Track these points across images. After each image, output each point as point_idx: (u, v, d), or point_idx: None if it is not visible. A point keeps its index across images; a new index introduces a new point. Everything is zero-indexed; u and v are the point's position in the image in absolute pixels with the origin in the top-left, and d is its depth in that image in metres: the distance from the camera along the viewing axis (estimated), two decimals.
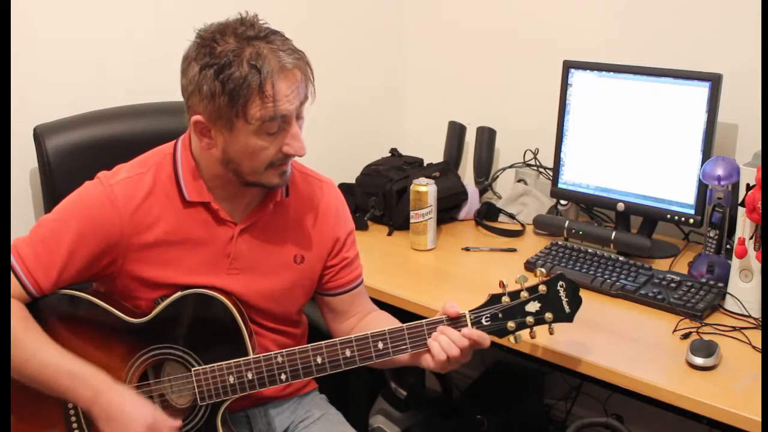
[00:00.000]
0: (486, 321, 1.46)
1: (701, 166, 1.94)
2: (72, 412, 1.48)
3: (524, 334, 1.48)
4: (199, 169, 1.49)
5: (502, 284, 1.47)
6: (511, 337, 1.47)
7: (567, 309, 1.47)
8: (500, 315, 1.46)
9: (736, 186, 1.78)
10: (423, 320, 1.47)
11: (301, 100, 1.40)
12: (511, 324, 1.46)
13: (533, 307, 1.46)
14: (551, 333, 1.48)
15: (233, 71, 1.33)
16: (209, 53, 1.35)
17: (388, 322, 1.57)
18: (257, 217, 1.54)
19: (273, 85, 1.34)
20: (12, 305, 1.41)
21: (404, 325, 1.48)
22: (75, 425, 1.49)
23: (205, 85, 1.35)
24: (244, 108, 1.35)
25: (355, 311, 1.68)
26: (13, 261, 1.44)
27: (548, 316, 1.46)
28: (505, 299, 1.46)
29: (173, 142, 1.54)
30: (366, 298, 1.72)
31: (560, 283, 1.46)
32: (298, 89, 1.38)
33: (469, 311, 1.47)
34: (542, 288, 1.46)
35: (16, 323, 1.41)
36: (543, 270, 1.48)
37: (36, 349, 1.41)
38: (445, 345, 1.43)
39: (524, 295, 1.46)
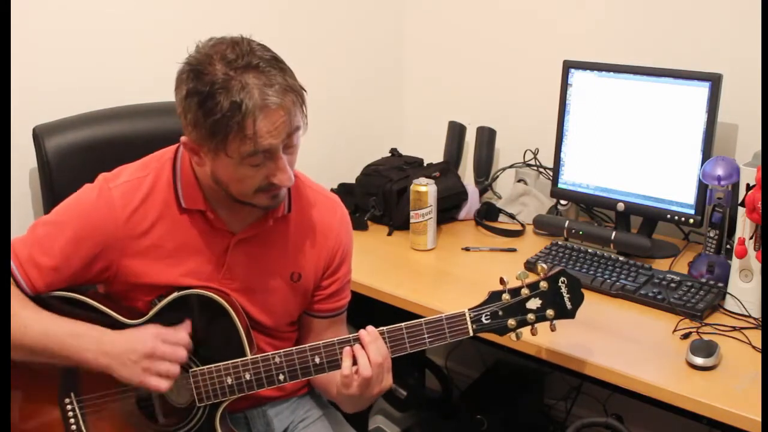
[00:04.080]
0: (486, 319, 1.45)
1: (701, 166, 1.94)
2: (69, 407, 1.48)
3: (525, 331, 1.47)
4: (197, 178, 1.49)
5: (502, 281, 1.46)
6: (512, 335, 1.46)
7: (569, 305, 1.46)
8: (500, 313, 1.45)
9: (736, 186, 1.78)
10: (422, 319, 1.46)
11: (288, 132, 1.35)
12: (511, 322, 1.45)
13: (534, 304, 1.45)
14: (553, 330, 1.48)
15: (216, 104, 1.29)
16: (196, 78, 1.32)
17: None
18: (256, 230, 1.53)
19: (254, 122, 1.30)
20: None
21: (402, 324, 1.47)
22: (73, 425, 1.49)
23: (190, 112, 1.33)
24: (223, 142, 1.32)
25: (329, 336, 1.62)
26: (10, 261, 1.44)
27: (550, 312, 1.45)
28: (506, 296, 1.45)
29: (175, 146, 1.53)
30: (343, 326, 1.70)
31: (562, 279, 1.46)
32: (284, 125, 1.33)
33: (469, 309, 1.45)
34: (543, 284, 1.45)
35: (13, 303, 1.41)
36: (544, 266, 1.47)
37: (33, 318, 1.42)
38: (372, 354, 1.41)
39: (525, 292, 1.45)
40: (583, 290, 1.49)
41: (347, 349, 1.44)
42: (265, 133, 1.31)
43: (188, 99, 1.33)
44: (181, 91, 1.35)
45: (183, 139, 1.40)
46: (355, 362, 1.42)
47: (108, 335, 1.42)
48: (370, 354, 1.41)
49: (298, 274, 1.58)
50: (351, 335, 1.46)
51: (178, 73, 1.37)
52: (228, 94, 1.29)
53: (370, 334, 1.44)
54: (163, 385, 1.40)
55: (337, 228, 1.61)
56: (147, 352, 1.39)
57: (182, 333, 1.44)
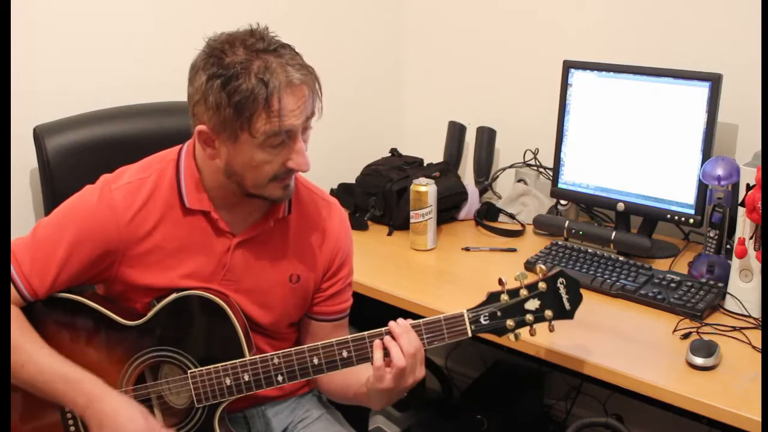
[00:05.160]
0: (484, 320, 1.45)
1: (701, 166, 1.94)
2: (69, 416, 1.48)
3: (524, 332, 1.47)
4: (201, 178, 1.49)
5: (501, 282, 1.46)
6: (511, 336, 1.46)
7: (567, 306, 1.46)
8: (499, 313, 1.45)
9: (736, 186, 1.78)
10: (421, 320, 1.46)
11: (307, 115, 1.38)
12: (510, 322, 1.45)
13: (533, 304, 1.45)
14: (551, 330, 1.47)
15: (240, 83, 1.32)
16: (217, 63, 1.34)
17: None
18: (257, 231, 1.53)
19: (280, 99, 1.33)
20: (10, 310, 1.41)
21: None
22: (72, 426, 1.48)
23: (212, 95, 1.34)
24: (249, 121, 1.34)
25: None
26: (10, 265, 1.43)
27: (548, 313, 1.45)
28: (504, 297, 1.45)
29: (178, 147, 1.53)
30: (346, 331, 1.69)
31: (560, 279, 1.45)
32: (305, 104, 1.37)
33: (467, 310, 1.45)
34: (542, 285, 1.45)
35: (13, 328, 1.41)
36: (543, 267, 1.47)
37: (31, 354, 1.41)
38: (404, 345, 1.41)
39: (524, 292, 1.45)
40: (583, 290, 1.49)
41: (377, 342, 1.43)
42: (288, 111, 1.34)
43: (210, 82, 1.34)
44: (200, 77, 1.36)
45: (200, 127, 1.39)
46: (386, 354, 1.42)
47: (100, 391, 1.41)
48: (402, 345, 1.41)
49: (297, 276, 1.58)
50: (349, 336, 1.45)
51: (193, 62, 1.38)
52: (252, 74, 1.32)
53: (400, 325, 1.43)
54: None
55: (336, 231, 1.61)
56: None
57: None
